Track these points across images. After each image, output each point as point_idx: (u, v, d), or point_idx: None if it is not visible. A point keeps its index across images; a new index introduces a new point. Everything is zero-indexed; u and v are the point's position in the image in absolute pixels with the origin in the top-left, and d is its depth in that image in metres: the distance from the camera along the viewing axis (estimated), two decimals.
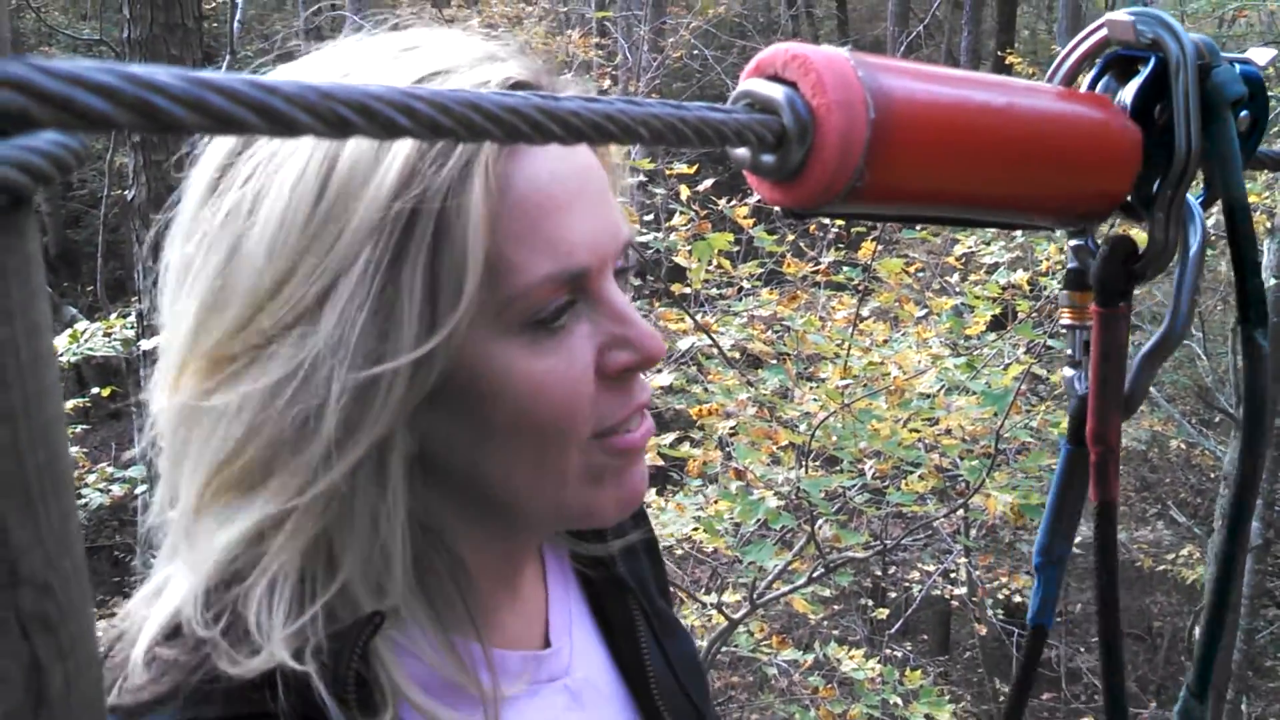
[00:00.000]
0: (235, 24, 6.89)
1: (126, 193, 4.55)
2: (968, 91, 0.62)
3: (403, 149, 0.70)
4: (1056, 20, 14.16)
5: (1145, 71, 0.69)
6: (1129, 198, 0.71)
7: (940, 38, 14.81)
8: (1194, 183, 0.72)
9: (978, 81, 0.63)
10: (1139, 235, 0.73)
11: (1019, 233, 4.64)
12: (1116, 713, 0.79)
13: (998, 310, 4.43)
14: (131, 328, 4.69)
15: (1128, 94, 0.70)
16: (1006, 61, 10.73)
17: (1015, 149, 0.63)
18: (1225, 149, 0.69)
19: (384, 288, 0.70)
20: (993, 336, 4.46)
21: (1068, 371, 0.77)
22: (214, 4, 10.81)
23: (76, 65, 0.25)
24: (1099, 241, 0.75)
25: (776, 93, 0.56)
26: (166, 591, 0.77)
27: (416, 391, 0.72)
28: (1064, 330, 0.77)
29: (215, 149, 0.77)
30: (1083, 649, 11.30)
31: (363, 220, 0.69)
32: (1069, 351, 0.77)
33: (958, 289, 4.79)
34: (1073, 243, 0.75)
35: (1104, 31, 0.72)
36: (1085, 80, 0.73)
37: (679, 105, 0.49)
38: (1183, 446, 10.67)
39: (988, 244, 4.75)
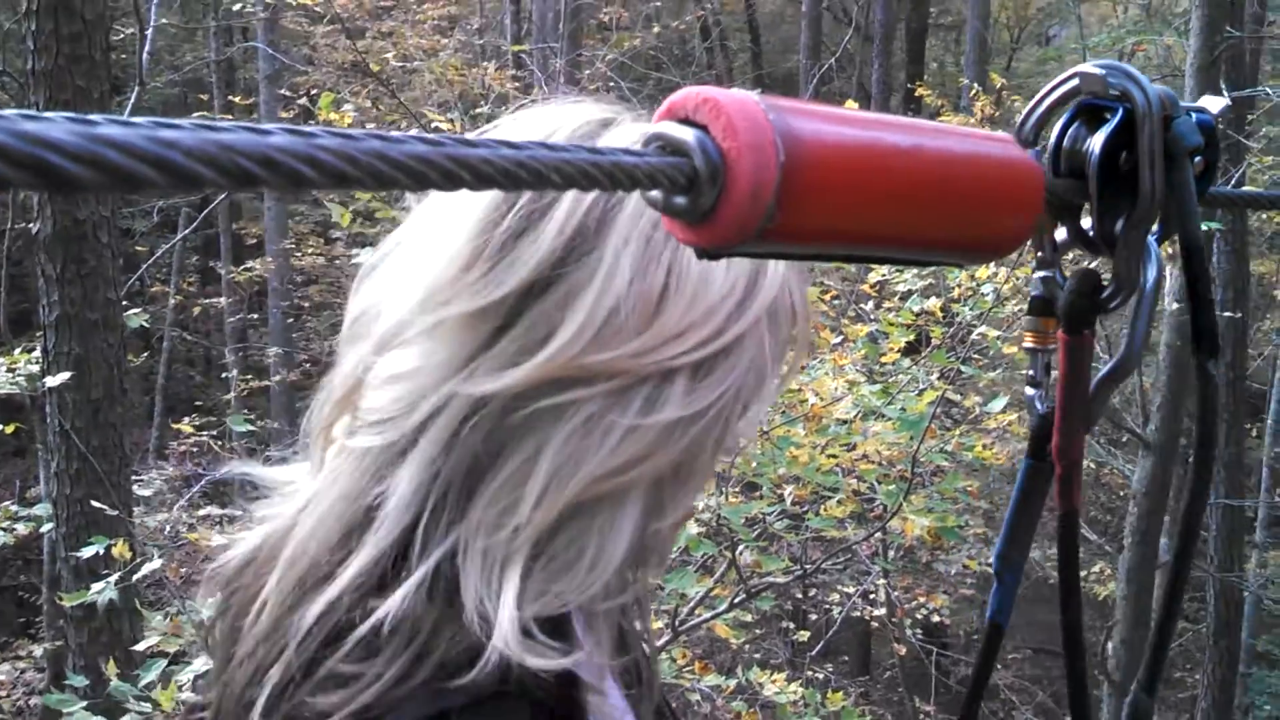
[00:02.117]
0: (144, 55, 6.75)
1: (31, 226, 4.44)
2: (876, 133, 0.63)
3: (774, 266, 0.80)
4: (964, 53, 14.50)
5: (1113, 121, 0.74)
6: (1091, 233, 0.77)
7: (851, 70, 15.08)
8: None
9: (886, 123, 0.64)
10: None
11: None
12: (1079, 709, 0.85)
13: (912, 337, 4.49)
14: (36, 363, 4.56)
15: (1096, 141, 0.75)
16: (916, 94, 10.95)
17: (923, 190, 0.64)
18: (1184, 194, 0.74)
19: (766, 364, 0.81)
20: (907, 363, 4.52)
21: (1029, 391, 0.83)
22: (122, 35, 10.60)
23: None
24: (1065, 274, 0.80)
25: (688, 135, 0.57)
26: (505, 596, 0.74)
27: None
28: (1026, 352, 0.83)
29: None
30: (1000, 665, 11.46)
31: (767, 295, 0.80)
32: (1030, 372, 0.83)
33: (872, 316, 4.87)
34: (1041, 274, 0.80)
35: (1075, 82, 0.77)
36: (1056, 126, 0.78)
37: (593, 150, 0.50)
38: (1092, 465, 10.93)
39: (901, 272, 4.82)
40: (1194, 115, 0.76)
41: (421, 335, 0.78)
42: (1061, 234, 0.80)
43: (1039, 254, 0.81)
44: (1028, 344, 0.82)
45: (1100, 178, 0.75)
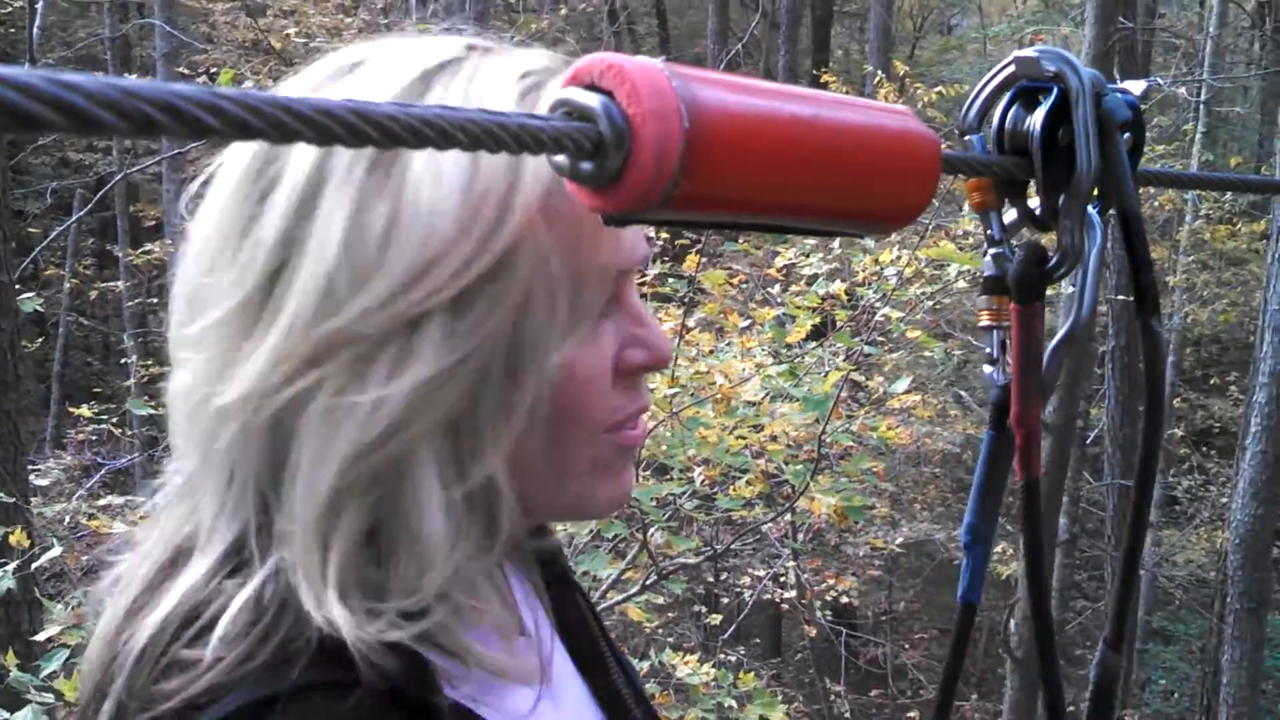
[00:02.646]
0: (35, 30, 6.53)
1: None
2: (777, 103, 0.64)
3: (536, 162, 0.69)
4: (868, 41, 14.70)
5: (1049, 100, 0.78)
6: (1039, 211, 0.80)
7: (758, 56, 15.18)
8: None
9: (787, 94, 0.66)
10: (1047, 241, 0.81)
11: (837, 245, 4.79)
12: (1051, 680, 0.85)
13: (818, 320, 4.56)
14: None
15: (1036, 119, 0.78)
16: (822, 80, 11.06)
17: (822, 159, 0.66)
18: (1118, 166, 0.78)
19: (559, 276, 0.71)
20: (813, 344, 4.58)
21: (987, 368, 0.84)
22: (10, 8, 10.24)
23: None
24: (1014, 250, 0.83)
25: (593, 101, 0.58)
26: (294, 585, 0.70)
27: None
28: (982, 330, 0.84)
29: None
30: (907, 646, 11.69)
31: (531, 195, 0.69)
32: (987, 350, 0.84)
33: (779, 300, 4.92)
34: (993, 251, 0.82)
35: (1012, 68, 0.80)
36: (997, 109, 0.81)
37: (497, 113, 0.50)
38: None
39: (807, 256, 4.89)
40: (1120, 95, 0.80)
41: (189, 349, 0.73)
42: (1010, 216, 0.83)
43: (988, 233, 0.83)
44: (984, 322, 0.83)
45: (1042, 153, 0.78)
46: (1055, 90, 0.78)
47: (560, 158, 0.58)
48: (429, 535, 0.71)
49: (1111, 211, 0.82)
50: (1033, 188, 0.81)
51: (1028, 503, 0.82)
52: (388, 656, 0.68)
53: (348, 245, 0.67)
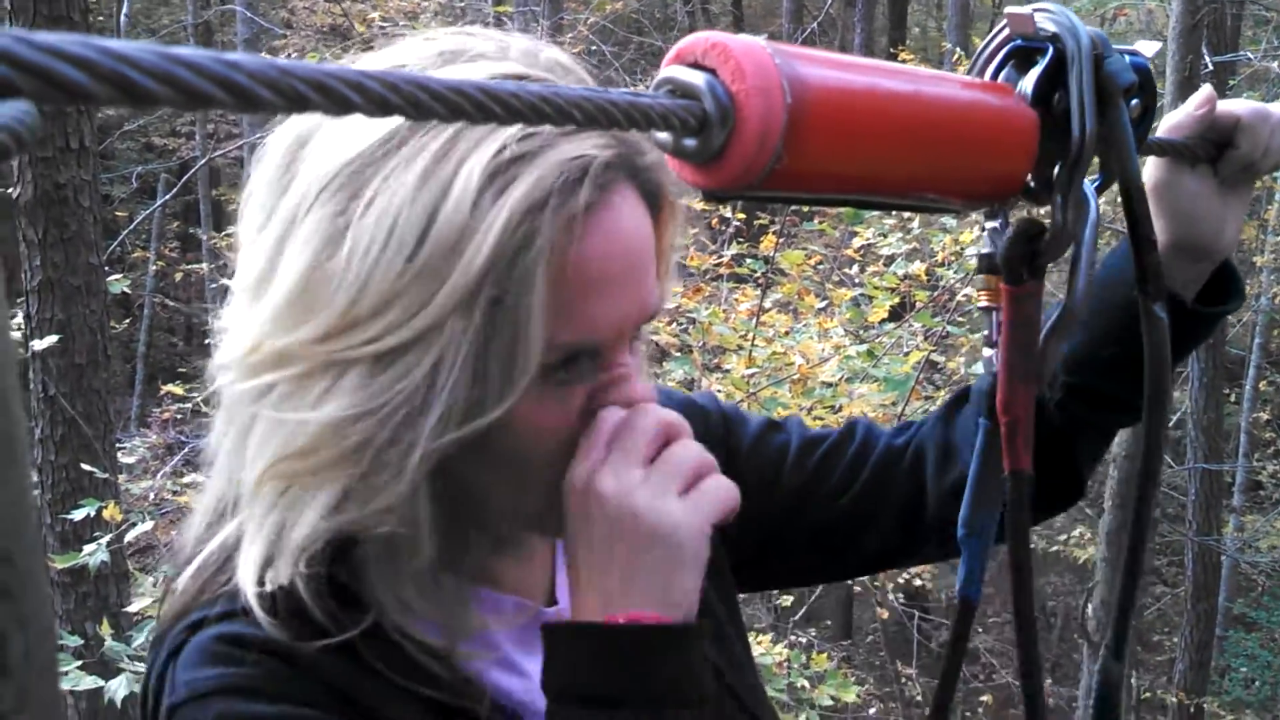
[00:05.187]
0: (122, 17, 6.67)
1: (11, 190, 4.41)
2: (877, 79, 0.64)
3: (496, 221, 0.71)
4: (946, 18, 14.48)
5: (1043, 62, 0.73)
6: (1031, 182, 0.75)
7: (834, 34, 15.03)
8: (1090, 167, 0.75)
9: (886, 70, 0.66)
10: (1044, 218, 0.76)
11: (915, 225, 4.74)
12: (1030, 678, 0.81)
13: (896, 300, 4.52)
14: (19, 329, 4.54)
15: (1027, 83, 0.73)
16: (899, 58, 10.93)
17: (922, 133, 0.66)
18: (1120, 134, 0.73)
19: (472, 365, 0.73)
20: (892, 325, 4.55)
21: (986, 351, 0.80)
22: None
23: (55, 37, 0.26)
24: (1010, 225, 0.77)
25: (698, 79, 0.59)
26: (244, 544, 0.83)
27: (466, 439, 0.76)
28: (980, 312, 0.79)
29: (282, 136, 0.80)
30: (980, 629, 11.57)
31: (455, 290, 0.71)
32: (986, 332, 0.79)
33: (857, 280, 4.89)
34: (989, 226, 0.78)
35: (1007, 27, 0.75)
36: (987, 73, 0.76)
37: (606, 91, 0.51)
38: None
39: (885, 236, 4.84)
40: (1128, 57, 0.75)
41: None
42: None
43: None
44: (982, 303, 0.79)
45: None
46: (1050, 51, 0.73)
47: (665, 135, 0.59)
48: (291, 543, 0.79)
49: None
50: None
51: (1012, 499, 0.77)
52: (274, 605, 0.79)
53: (304, 278, 0.74)
